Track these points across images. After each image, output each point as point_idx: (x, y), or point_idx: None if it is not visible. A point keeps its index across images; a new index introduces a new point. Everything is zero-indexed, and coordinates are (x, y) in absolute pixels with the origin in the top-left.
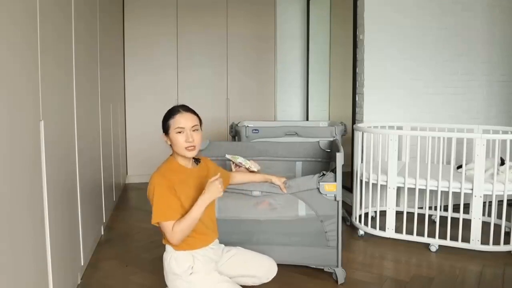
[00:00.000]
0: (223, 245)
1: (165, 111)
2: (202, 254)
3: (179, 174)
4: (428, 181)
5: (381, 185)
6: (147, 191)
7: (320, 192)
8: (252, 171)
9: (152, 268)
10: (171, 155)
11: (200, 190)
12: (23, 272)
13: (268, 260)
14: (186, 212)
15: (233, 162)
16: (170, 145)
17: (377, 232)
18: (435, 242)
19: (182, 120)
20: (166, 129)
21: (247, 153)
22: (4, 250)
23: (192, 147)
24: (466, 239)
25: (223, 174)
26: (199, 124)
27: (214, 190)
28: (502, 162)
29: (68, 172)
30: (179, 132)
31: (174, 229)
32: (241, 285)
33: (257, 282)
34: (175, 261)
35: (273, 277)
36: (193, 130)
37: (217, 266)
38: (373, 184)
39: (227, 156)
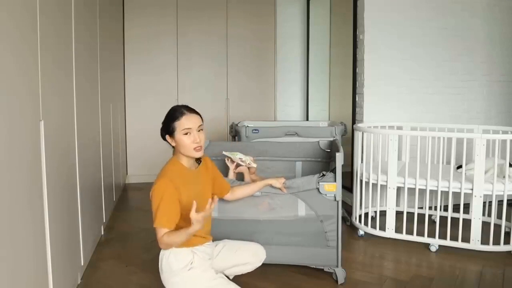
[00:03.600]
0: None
1: (166, 111)
2: (201, 250)
3: (183, 176)
4: (428, 181)
5: (381, 185)
6: (151, 191)
7: (320, 192)
8: (252, 167)
9: (152, 268)
10: (174, 155)
11: (200, 189)
12: (23, 272)
13: (256, 245)
14: (184, 212)
15: (231, 160)
16: (173, 146)
17: (377, 232)
18: (435, 242)
19: (188, 122)
20: (171, 130)
21: (247, 153)
22: (4, 250)
23: (199, 147)
24: (466, 239)
25: (219, 183)
26: (203, 124)
27: (198, 225)
28: (510, 165)
29: (68, 172)
30: (186, 134)
31: (163, 238)
32: (236, 276)
33: (250, 268)
34: (174, 257)
35: (264, 259)
36: (198, 131)
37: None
38: (373, 184)
39: (224, 153)
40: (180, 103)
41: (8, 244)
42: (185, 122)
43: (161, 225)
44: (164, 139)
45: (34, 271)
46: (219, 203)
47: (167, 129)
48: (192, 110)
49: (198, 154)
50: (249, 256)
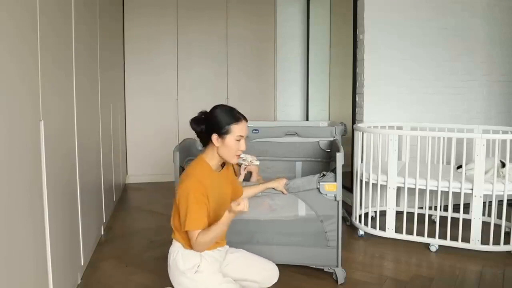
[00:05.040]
0: (227, 246)
1: (166, 111)
2: (210, 254)
3: (210, 178)
4: (428, 181)
5: (381, 185)
6: (178, 191)
7: (320, 192)
8: (255, 166)
9: (152, 268)
10: (201, 156)
11: (223, 193)
12: (23, 272)
13: (270, 266)
14: (210, 216)
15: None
16: (209, 145)
17: (377, 232)
18: (435, 242)
19: (244, 129)
20: (224, 131)
21: (247, 153)
22: (4, 250)
23: (239, 156)
24: (466, 239)
25: (236, 187)
26: None
27: (239, 210)
28: (503, 165)
29: (68, 172)
30: (238, 140)
31: (198, 240)
32: None
33: (257, 287)
34: (181, 258)
35: (274, 282)
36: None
37: (221, 267)
38: (373, 184)
39: None
40: (180, 103)
41: (8, 244)
42: (242, 129)
43: (194, 228)
44: (200, 131)
45: (34, 271)
46: None
47: (220, 128)
48: (246, 118)
49: (235, 161)
50: (261, 276)
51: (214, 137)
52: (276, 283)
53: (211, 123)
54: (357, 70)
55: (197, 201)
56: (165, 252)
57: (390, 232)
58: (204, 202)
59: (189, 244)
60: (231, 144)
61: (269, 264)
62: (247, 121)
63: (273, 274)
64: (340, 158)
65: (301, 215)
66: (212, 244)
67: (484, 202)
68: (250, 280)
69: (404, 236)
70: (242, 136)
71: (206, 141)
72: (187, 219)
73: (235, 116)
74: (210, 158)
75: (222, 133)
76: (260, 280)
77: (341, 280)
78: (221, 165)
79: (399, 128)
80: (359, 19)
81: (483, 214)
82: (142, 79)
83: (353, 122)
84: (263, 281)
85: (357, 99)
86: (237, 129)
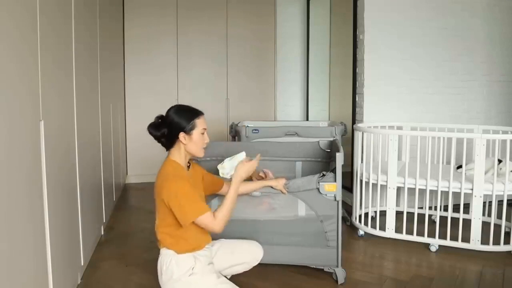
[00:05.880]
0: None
1: (166, 111)
2: (203, 254)
3: (186, 176)
4: (428, 181)
5: (381, 185)
6: (165, 197)
7: (320, 192)
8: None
9: (152, 268)
10: (169, 158)
11: (198, 190)
12: (23, 272)
13: (253, 244)
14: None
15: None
16: (174, 147)
17: (377, 232)
18: (435, 242)
19: (205, 122)
20: (190, 127)
21: (247, 153)
22: (4, 250)
23: (205, 148)
24: (466, 239)
25: (210, 179)
26: None
27: (246, 169)
28: (500, 162)
29: (68, 172)
30: (203, 133)
31: (217, 217)
32: (234, 275)
33: (247, 267)
34: (176, 264)
35: (261, 258)
36: None
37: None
38: (373, 184)
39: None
40: (180, 103)
41: (8, 244)
42: (204, 122)
43: (200, 213)
44: (161, 135)
45: (34, 271)
46: (220, 203)
47: (185, 125)
48: (201, 111)
49: (202, 154)
50: (247, 256)
51: (182, 135)
52: (276, 283)
53: (174, 123)
54: (357, 70)
55: (187, 192)
56: None
57: (390, 232)
58: (193, 192)
59: (182, 248)
60: (198, 138)
61: (251, 243)
62: (203, 114)
63: (258, 251)
64: (340, 158)
65: (301, 215)
66: (203, 240)
67: (484, 202)
68: (239, 264)
69: (404, 236)
70: (205, 129)
71: (170, 143)
72: (187, 211)
73: (195, 111)
74: (178, 158)
75: (188, 130)
76: (248, 260)
77: (341, 280)
78: (187, 165)
79: (399, 128)
80: (359, 19)
81: (483, 214)
82: (142, 79)
83: (353, 122)
84: (250, 260)
85: (357, 99)
86: (200, 123)
